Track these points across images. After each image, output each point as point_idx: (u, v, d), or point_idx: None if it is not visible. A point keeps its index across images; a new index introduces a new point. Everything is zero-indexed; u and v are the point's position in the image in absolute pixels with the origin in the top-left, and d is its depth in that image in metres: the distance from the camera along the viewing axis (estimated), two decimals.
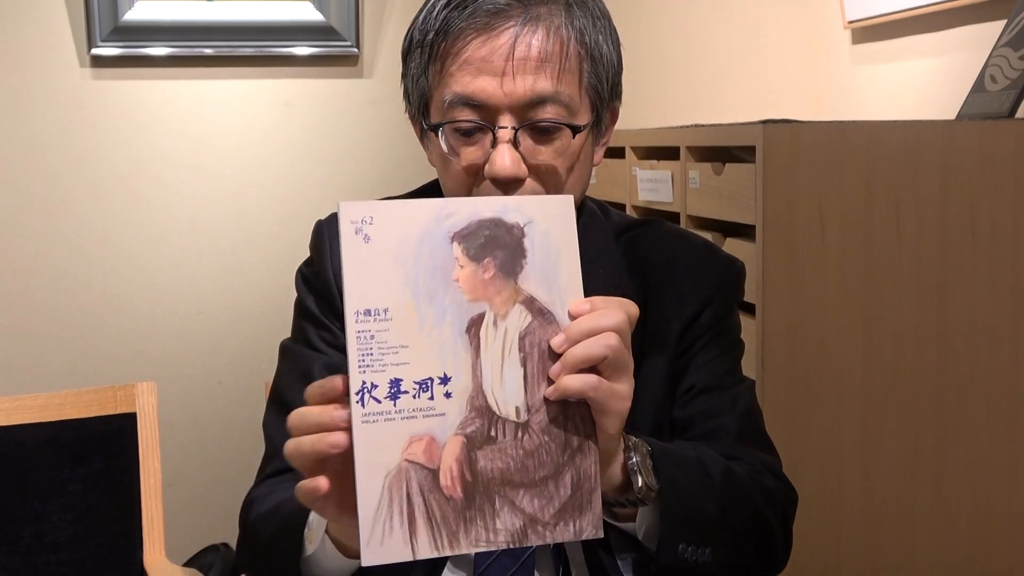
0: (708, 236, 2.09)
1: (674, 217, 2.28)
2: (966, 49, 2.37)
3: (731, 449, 1.29)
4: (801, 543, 1.36)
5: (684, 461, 1.18)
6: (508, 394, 1.02)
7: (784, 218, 1.86)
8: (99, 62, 2.71)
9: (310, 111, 2.84)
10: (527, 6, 1.21)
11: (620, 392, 1.04)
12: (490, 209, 1.02)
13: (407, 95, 1.32)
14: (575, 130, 1.23)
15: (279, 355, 1.44)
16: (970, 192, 1.89)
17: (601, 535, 1.05)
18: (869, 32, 2.77)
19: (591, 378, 1.02)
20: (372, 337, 1.00)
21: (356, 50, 2.79)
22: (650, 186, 2.40)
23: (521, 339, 1.02)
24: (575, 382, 1.02)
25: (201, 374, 2.80)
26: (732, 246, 2.01)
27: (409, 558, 1.01)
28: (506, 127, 1.21)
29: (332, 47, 2.78)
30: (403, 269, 1.00)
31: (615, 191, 2.68)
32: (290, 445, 1.03)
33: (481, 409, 1.02)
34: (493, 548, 1.03)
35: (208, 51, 2.75)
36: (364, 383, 0.99)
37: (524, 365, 1.02)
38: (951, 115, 2.21)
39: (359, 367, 0.99)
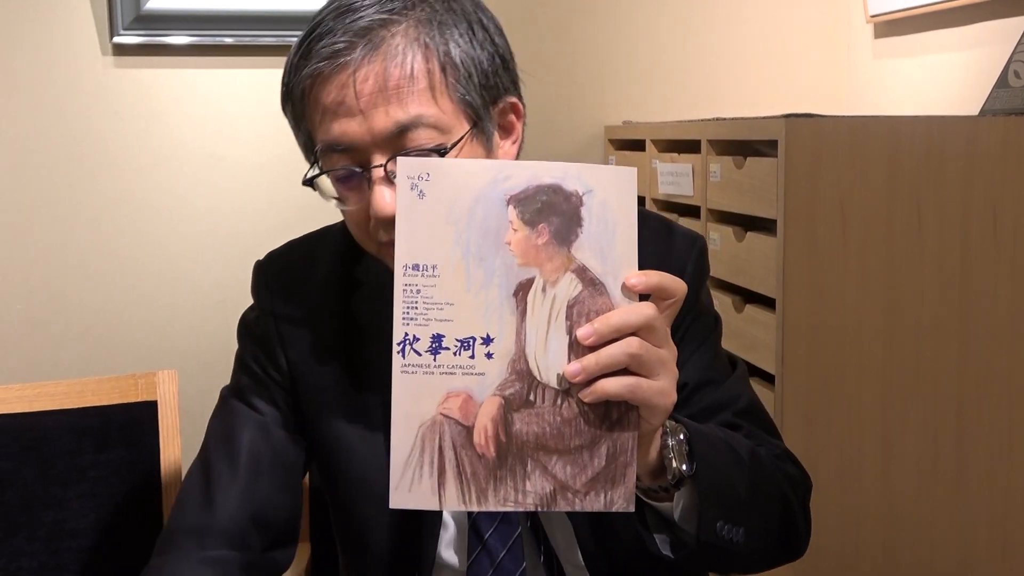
0: (729, 230, 2.09)
1: (695, 210, 2.28)
2: (990, 44, 2.36)
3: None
4: (820, 535, 1.36)
5: (717, 442, 1.17)
6: (551, 360, 1.02)
7: (805, 213, 1.86)
8: (121, 50, 2.72)
9: None
10: (364, 37, 1.17)
11: (661, 388, 1.03)
12: (550, 175, 1.01)
13: (300, 146, 1.30)
14: (441, 152, 1.18)
15: (219, 400, 1.43)
16: (992, 188, 1.88)
17: (632, 510, 1.05)
18: (892, 26, 2.76)
19: (629, 380, 1.01)
20: (418, 292, 1.01)
21: None
22: (671, 179, 2.39)
23: (569, 307, 1.02)
24: (612, 385, 1.01)
25: (220, 363, 2.79)
26: (753, 240, 2.00)
27: (436, 507, 1.03)
28: (378, 165, 1.17)
29: None
30: (455, 228, 1.01)
31: None
32: None
33: (522, 373, 1.02)
34: (521, 509, 1.04)
35: (229, 40, 2.75)
36: (407, 335, 1.01)
37: (570, 333, 1.01)
38: (974, 111, 2.20)
39: (403, 319, 1.01)
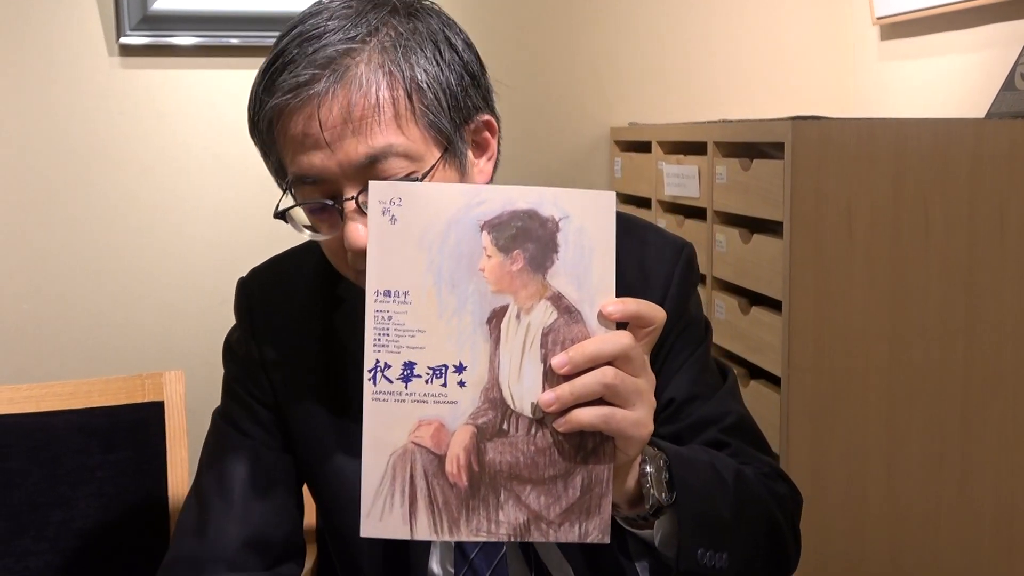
0: (735, 232, 2.09)
1: (701, 212, 2.28)
2: (996, 46, 2.36)
3: (731, 456, 1.27)
4: (825, 537, 1.36)
5: (699, 466, 1.16)
6: (525, 389, 1.00)
7: (812, 215, 1.86)
8: (127, 51, 2.72)
9: None
10: (327, 68, 1.13)
11: (636, 419, 1.01)
12: (525, 200, 1.00)
13: (271, 171, 1.26)
14: (414, 180, 1.14)
15: (211, 422, 1.43)
16: (999, 190, 1.88)
17: (607, 541, 1.04)
18: (898, 28, 2.76)
19: (603, 410, 1.00)
20: (389, 318, 1.00)
21: None
22: (677, 181, 2.40)
23: (544, 335, 1.00)
24: (587, 416, 0.99)
25: None
26: (759, 242, 2.00)
27: (407, 537, 1.02)
28: (350, 197, 1.14)
29: None
30: (427, 254, 0.99)
31: (641, 185, 2.68)
32: None
33: (495, 401, 1.01)
34: (494, 539, 1.03)
35: (235, 41, 2.76)
36: (378, 362, 1.00)
37: (544, 362, 1.00)
38: (980, 113, 2.20)
39: (374, 346, 1.00)
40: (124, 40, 2.69)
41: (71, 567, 1.86)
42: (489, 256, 1.00)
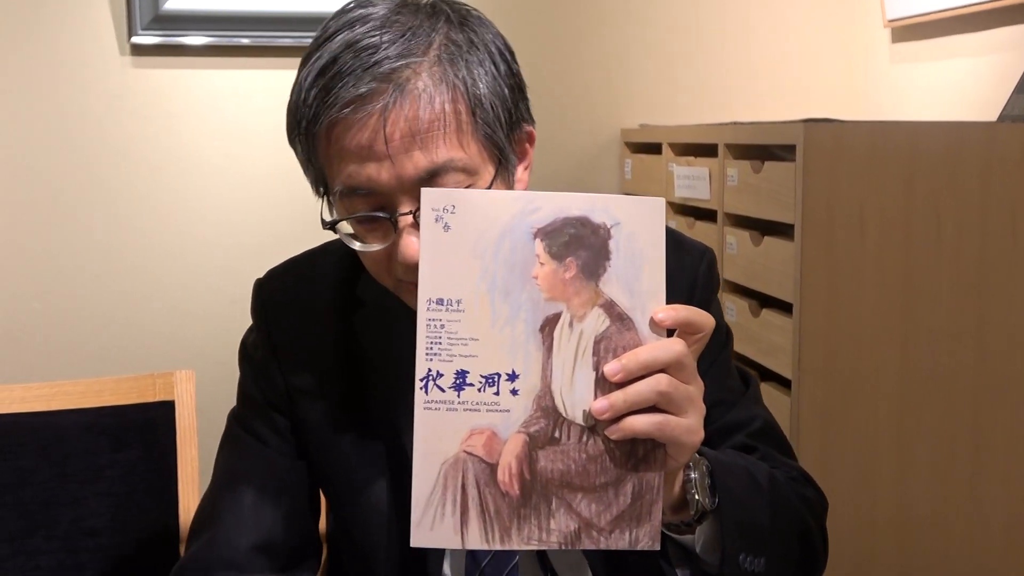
0: (746, 234, 2.09)
1: (711, 214, 2.28)
2: (1008, 49, 2.35)
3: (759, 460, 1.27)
4: (835, 539, 1.36)
5: (737, 471, 1.16)
6: (577, 397, 1.00)
7: (823, 217, 1.86)
8: (139, 50, 2.73)
9: None
10: (390, 81, 1.11)
11: (688, 426, 1.01)
12: (577, 207, 0.99)
13: (308, 178, 1.23)
14: None
15: (226, 424, 1.42)
16: (1011, 194, 1.88)
17: (657, 547, 1.03)
18: (909, 31, 2.76)
19: (657, 418, 0.99)
20: (442, 327, 0.99)
21: None
22: (687, 183, 2.39)
23: (596, 343, 1.00)
24: (640, 423, 0.99)
25: (235, 362, 2.81)
26: (770, 244, 2.00)
27: (458, 546, 1.02)
28: (407, 212, 1.13)
29: None
30: (481, 262, 0.99)
31: (651, 187, 2.68)
32: None
33: (547, 409, 1.00)
34: (544, 548, 1.02)
35: (245, 41, 2.76)
36: (430, 371, 0.99)
37: (596, 369, 1.00)
38: (992, 116, 2.20)
39: (426, 355, 0.99)
40: (136, 40, 2.69)
41: (82, 566, 1.86)
42: (542, 264, 1.00)
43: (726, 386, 1.32)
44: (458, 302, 0.99)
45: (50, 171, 2.72)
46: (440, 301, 0.99)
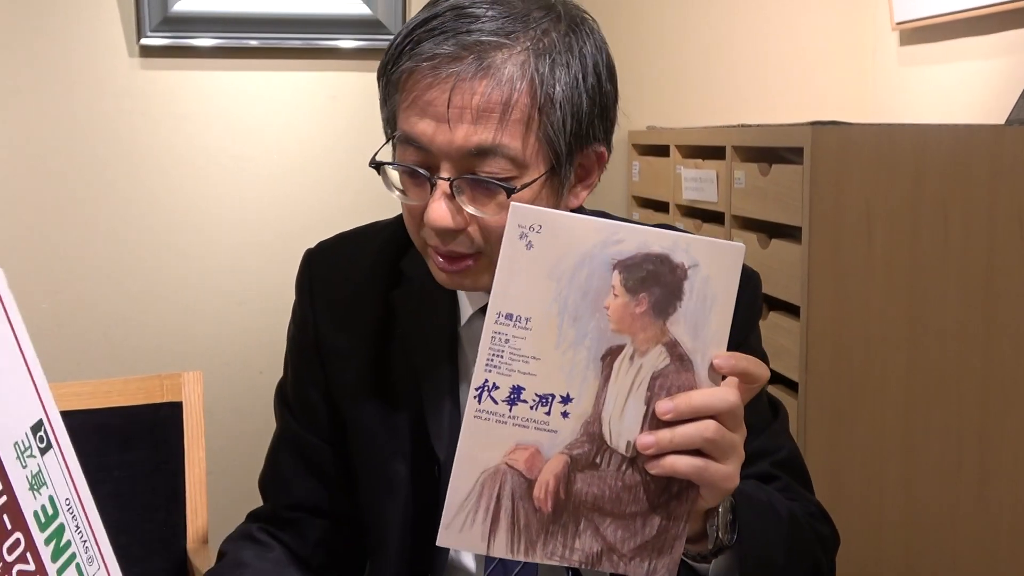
0: (753, 237, 2.09)
1: (719, 217, 2.28)
2: (1016, 52, 2.35)
3: (780, 490, 1.28)
4: (843, 544, 1.36)
5: (759, 507, 1.17)
6: (625, 427, 1.01)
7: (831, 220, 1.86)
8: (148, 52, 2.74)
9: (356, 104, 2.85)
10: (474, 52, 1.14)
11: (727, 474, 1.02)
12: (660, 244, 0.99)
13: (382, 118, 1.28)
14: (510, 191, 1.16)
15: (275, 399, 1.48)
16: (1018, 197, 1.87)
17: None
18: (917, 34, 2.75)
19: (698, 462, 1.00)
20: (506, 341, 1.00)
21: None
22: (695, 185, 2.39)
23: (653, 379, 1.00)
24: (682, 464, 1.00)
25: (242, 364, 2.82)
26: (777, 247, 2.00)
27: (483, 552, 1.03)
28: (445, 178, 1.16)
29: (379, 40, 2.78)
30: (556, 284, 0.99)
31: (659, 189, 2.68)
32: None
33: (593, 436, 1.01)
34: (565, 564, 1.04)
35: (254, 43, 2.77)
36: (486, 382, 1.00)
37: (648, 404, 1.01)
38: (1000, 119, 2.20)
39: (486, 366, 1.00)
40: (145, 41, 2.70)
41: None
42: (616, 295, 1.00)
43: (756, 412, 1.32)
44: (527, 320, 0.99)
45: (59, 172, 2.73)
46: (509, 316, 0.99)
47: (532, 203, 1.17)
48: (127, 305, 2.78)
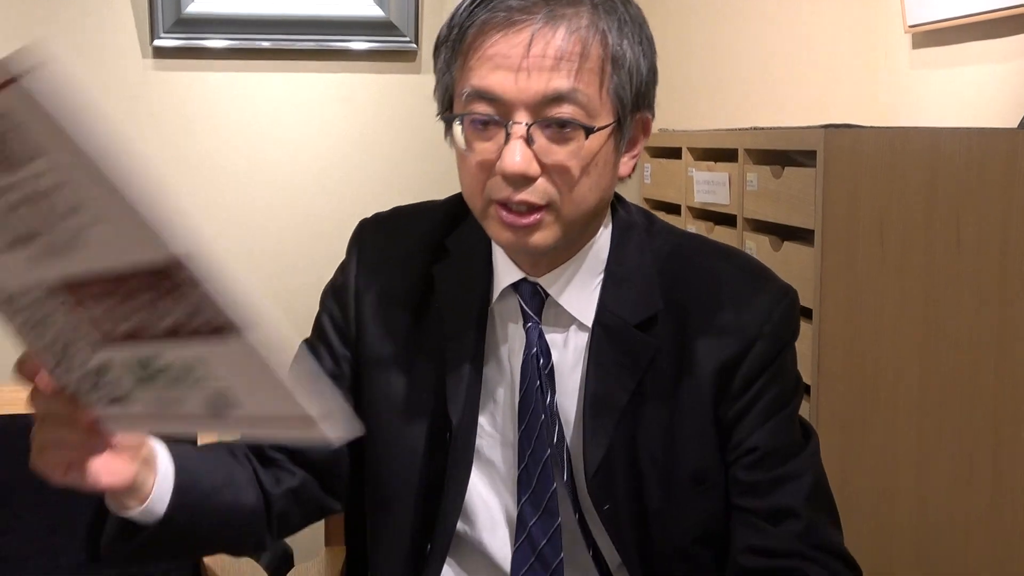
0: (766, 240, 2.09)
1: (731, 219, 2.28)
2: None
3: (802, 533, 1.29)
4: (854, 548, 1.36)
5: None
6: None
7: (843, 223, 1.85)
8: (161, 53, 2.74)
9: (368, 106, 2.85)
10: (551, 5, 1.20)
11: None
12: None
13: (435, 93, 1.31)
14: (588, 131, 1.21)
15: (297, 350, 1.47)
16: None
17: None
18: (930, 36, 2.75)
19: None
20: None
21: (415, 46, 2.80)
22: (707, 188, 2.39)
23: None
24: None
25: None
26: (790, 250, 2.00)
27: None
28: (520, 123, 1.20)
29: (391, 42, 2.79)
30: None
31: (670, 191, 2.68)
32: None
33: None
34: None
35: (266, 44, 2.77)
36: None
37: None
38: (1014, 123, 2.19)
39: None
40: (158, 42, 2.71)
41: (101, 565, 1.87)
42: None
43: (787, 435, 1.33)
44: None
45: None
46: None
47: (599, 155, 1.23)
48: None
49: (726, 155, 2.33)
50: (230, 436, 1.35)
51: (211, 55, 2.77)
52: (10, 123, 0.81)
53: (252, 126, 2.81)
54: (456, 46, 1.25)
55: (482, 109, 1.22)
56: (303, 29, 2.78)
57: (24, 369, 1.00)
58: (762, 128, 2.29)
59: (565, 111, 1.20)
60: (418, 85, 2.84)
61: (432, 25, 2.83)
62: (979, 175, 1.86)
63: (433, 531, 1.35)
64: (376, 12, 2.78)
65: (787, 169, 2.00)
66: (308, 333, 1.45)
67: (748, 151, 2.20)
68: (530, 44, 1.19)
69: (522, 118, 1.20)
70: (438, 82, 1.29)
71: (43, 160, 0.84)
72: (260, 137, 2.82)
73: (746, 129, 2.34)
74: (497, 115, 1.22)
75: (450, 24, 1.26)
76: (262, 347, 0.90)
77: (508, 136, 1.21)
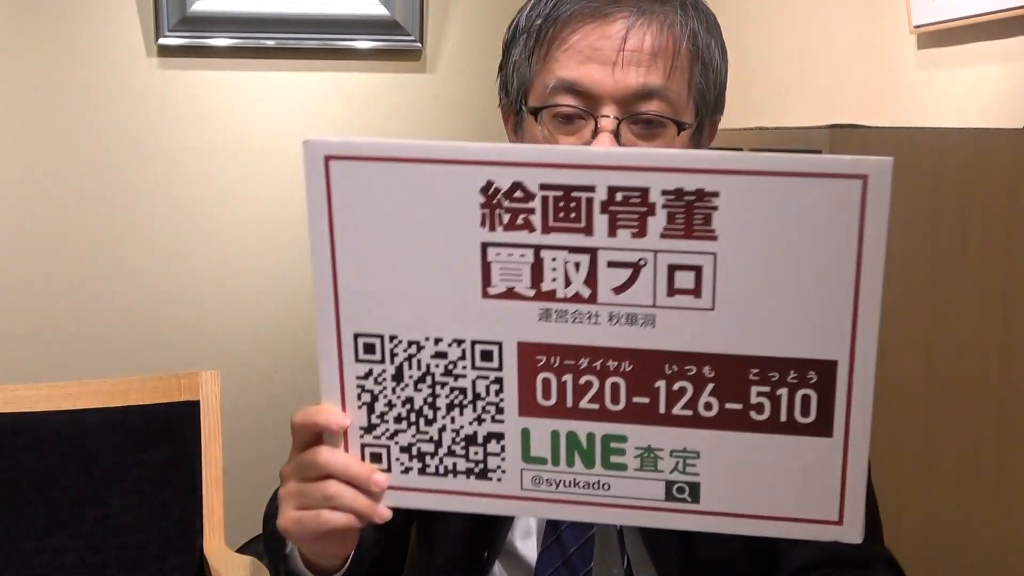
0: None
1: None
2: None
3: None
4: None
5: None
6: None
7: None
8: (166, 52, 2.74)
9: (372, 105, 2.85)
10: (638, 3, 1.19)
11: None
12: None
13: (504, 86, 1.29)
14: (680, 127, 1.20)
15: None
16: None
17: None
18: (935, 37, 2.74)
19: None
20: None
21: (420, 45, 2.80)
22: None
23: None
24: None
25: (259, 363, 2.82)
26: None
27: None
28: (609, 116, 1.18)
29: (396, 41, 2.79)
30: None
31: None
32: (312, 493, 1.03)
33: None
34: None
35: (271, 43, 2.77)
36: None
37: None
38: (1019, 123, 2.19)
39: None
40: (163, 41, 2.70)
41: (106, 564, 1.87)
42: None
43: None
44: None
45: (77, 171, 2.74)
46: None
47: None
48: (145, 304, 2.79)
49: None
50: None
51: (216, 54, 2.77)
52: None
53: (257, 125, 2.81)
54: (539, 37, 1.22)
55: (569, 102, 1.20)
56: (308, 28, 2.78)
57: (324, 418, 1.01)
58: (767, 128, 2.28)
59: (655, 107, 1.19)
60: (423, 84, 2.84)
61: (436, 24, 2.83)
62: (984, 175, 1.86)
63: (491, 541, 1.32)
64: (381, 11, 2.77)
65: None
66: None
67: (754, 151, 2.19)
68: (625, 37, 1.18)
69: (610, 112, 1.19)
70: (511, 75, 1.27)
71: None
72: (265, 136, 2.81)
73: (751, 129, 2.34)
74: (584, 108, 1.20)
75: (530, 15, 1.23)
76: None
77: (597, 130, 1.19)
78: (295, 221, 2.82)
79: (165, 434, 1.93)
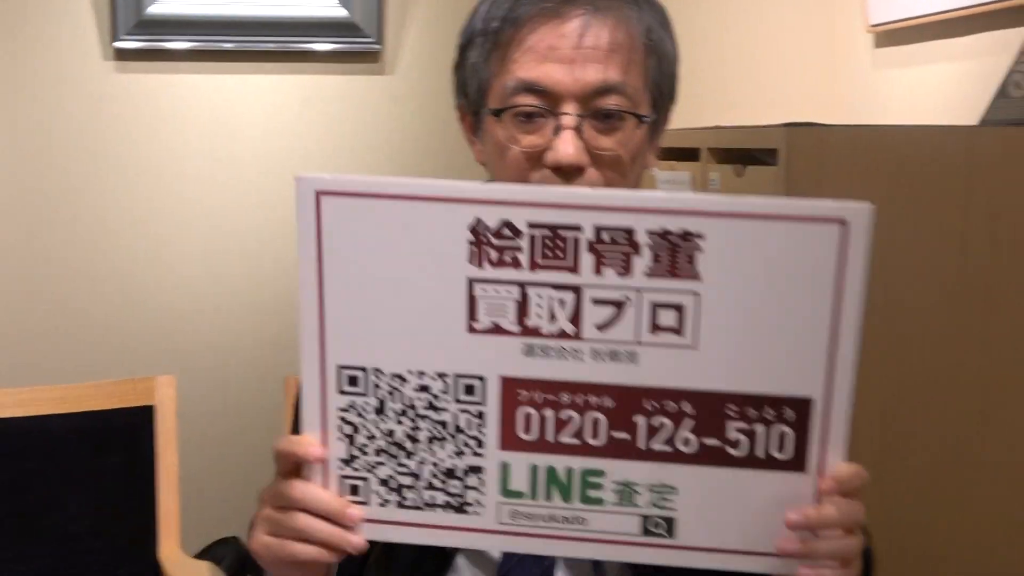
0: None
1: None
2: (990, 54, 2.36)
3: None
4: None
5: None
6: None
7: None
8: (122, 55, 2.72)
9: (331, 107, 2.84)
10: (592, 1, 1.20)
11: None
12: None
13: (461, 88, 1.29)
14: (640, 119, 1.22)
15: None
16: (992, 198, 1.88)
17: None
18: (892, 36, 2.76)
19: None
20: None
21: (379, 46, 2.79)
22: (669, 187, 2.40)
23: None
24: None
25: (218, 368, 2.81)
26: None
27: None
28: (570, 114, 1.19)
29: (355, 43, 2.78)
30: None
31: None
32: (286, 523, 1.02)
33: None
34: None
35: (228, 45, 2.75)
36: None
37: None
38: (974, 120, 2.20)
39: None
40: (119, 44, 2.69)
41: (63, 570, 1.86)
42: None
43: None
44: None
45: (33, 176, 2.71)
46: None
47: (640, 143, 1.24)
48: (104, 309, 2.77)
49: (688, 154, 2.33)
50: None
51: (173, 57, 2.75)
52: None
53: (215, 128, 2.80)
54: (496, 38, 1.23)
55: (529, 101, 1.21)
56: (266, 31, 2.77)
57: (304, 449, 1.01)
58: (724, 127, 2.29)
59: (614, 102, 1.20)
60: (382, 85, 2.83)
61: (396, 26, 2.82)
62: (940, 172, 1.87)
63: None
64: (340, 13, 2.76)
65: (749, 168, 2.01)
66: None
67: (710, 150, 2.20)
68: (581, 35, 1.19)
69: (571, 109, 1.20)
70: (468, 77, 1.27)
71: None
72: (223, 139, 2.80)
73: (708, 128, 2.34)
74: (545, 107, 1.21)
75: (486, 17, 1.24)
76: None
77: (559, 128, 1.20)
78: (255, 227, 2.81)
79: (120, 440, 1.92)
